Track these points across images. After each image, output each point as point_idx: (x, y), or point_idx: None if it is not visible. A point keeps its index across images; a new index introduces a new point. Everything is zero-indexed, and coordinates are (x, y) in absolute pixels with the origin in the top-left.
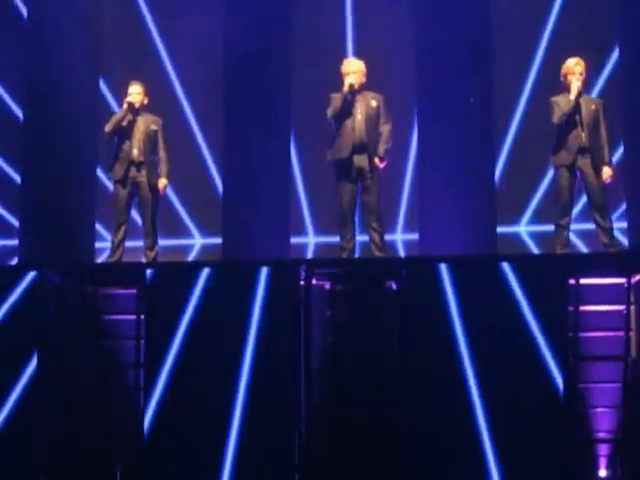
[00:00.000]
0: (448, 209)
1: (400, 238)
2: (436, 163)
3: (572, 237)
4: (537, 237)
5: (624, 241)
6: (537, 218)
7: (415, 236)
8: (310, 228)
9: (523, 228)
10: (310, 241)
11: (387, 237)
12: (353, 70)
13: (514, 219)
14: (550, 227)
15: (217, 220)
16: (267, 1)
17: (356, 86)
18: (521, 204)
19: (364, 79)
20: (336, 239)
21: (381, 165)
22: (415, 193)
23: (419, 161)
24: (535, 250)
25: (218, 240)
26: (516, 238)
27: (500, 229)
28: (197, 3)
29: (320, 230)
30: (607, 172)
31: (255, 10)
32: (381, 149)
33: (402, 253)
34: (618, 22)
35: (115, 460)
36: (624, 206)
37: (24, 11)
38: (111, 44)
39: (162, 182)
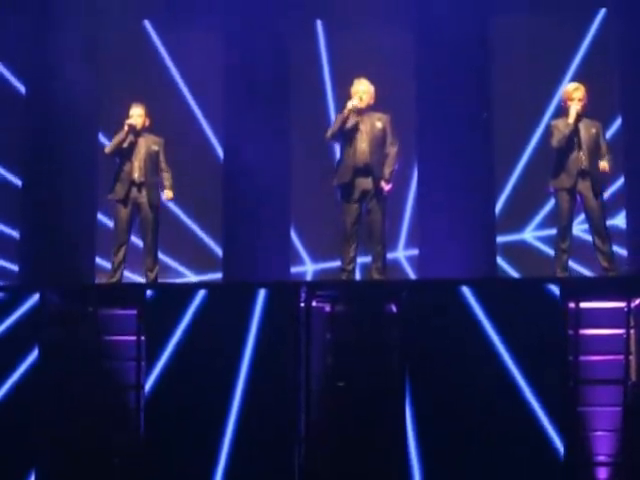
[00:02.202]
0: (448, 221)
1: (403, 255)
2: (438, 177)
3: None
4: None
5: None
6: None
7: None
8: (306, 257)
9: (528, 235)
10: (308, 269)
11: (390, 255)
12: (363, 90)
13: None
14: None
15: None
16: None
17: (361, 106)
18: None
19: (372, 100)
20: (332, 265)
21: (387, 188)
22: (416, 208)
23: (420, 178)
24: (538, 255)
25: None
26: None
27: (500, 238)
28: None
29: (316, 258)
30: (604, 165)
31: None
32: (387, 171)
33: (406, 269)
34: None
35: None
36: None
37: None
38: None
39: (168, 194)
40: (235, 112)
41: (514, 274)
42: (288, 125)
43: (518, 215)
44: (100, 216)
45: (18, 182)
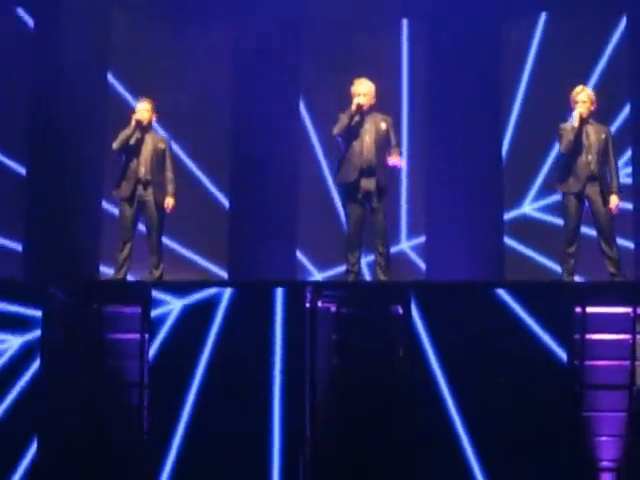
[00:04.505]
0: (455, 206)
1: (407, 246)
2: (443, 168)
3: None
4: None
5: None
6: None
7: (419, 240)
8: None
9: (528, 208)
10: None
11: (393, 248)
12: (364, 92)
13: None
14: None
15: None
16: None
17: (365, 107)
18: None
19: (374, 101)
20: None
21: (400, 161)
22: (423, 195)
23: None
24: (542, 227)
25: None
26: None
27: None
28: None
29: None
30: (614, 201)
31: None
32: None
33: (413, 259)
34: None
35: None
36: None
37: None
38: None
39: (169, 201)
40: None
41: (522, 250)
42: None
43: (516, 190)
44: (105, 205)
45: (22, 170)
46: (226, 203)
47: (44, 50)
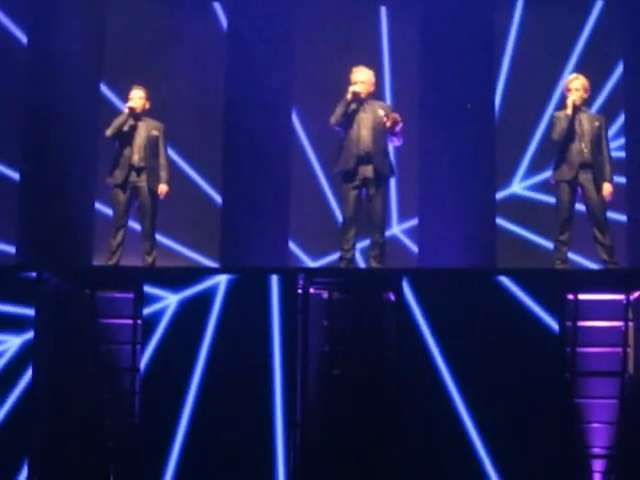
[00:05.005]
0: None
1: (399, 230)
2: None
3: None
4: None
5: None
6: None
7: (411, 223)
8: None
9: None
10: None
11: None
12: (361, 80)
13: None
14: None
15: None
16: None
17: (363, 95)
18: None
19: (372, 89)
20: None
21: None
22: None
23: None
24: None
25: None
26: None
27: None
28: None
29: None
30: (607, 188)
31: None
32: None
33: (406, 243)
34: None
35: (108, 463)
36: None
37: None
38: (114, 48)
39: (162, 188)
40: None
41: (515, 230)
42: None
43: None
44: (98, 200)
45: (14, 167)
46: (218, 198)
47: (38, 53)
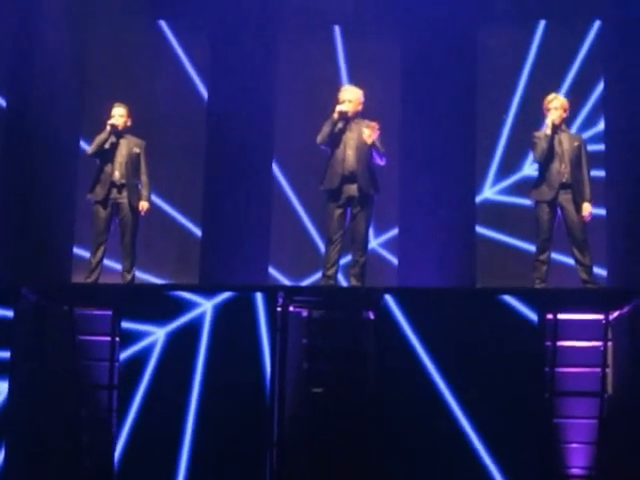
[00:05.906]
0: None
1: (376, 243)
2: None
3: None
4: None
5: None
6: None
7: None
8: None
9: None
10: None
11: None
12: (348, 98)
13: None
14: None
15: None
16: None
17: (350, 114)
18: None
19: (360, 107)
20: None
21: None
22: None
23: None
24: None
25: None
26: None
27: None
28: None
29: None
30: (587, 208)
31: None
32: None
33: (385, 256)
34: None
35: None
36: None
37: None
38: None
39: (144, 205)
40: None
41: (492, 235)
42: None
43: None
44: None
45: None
46: (198, 231)
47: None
